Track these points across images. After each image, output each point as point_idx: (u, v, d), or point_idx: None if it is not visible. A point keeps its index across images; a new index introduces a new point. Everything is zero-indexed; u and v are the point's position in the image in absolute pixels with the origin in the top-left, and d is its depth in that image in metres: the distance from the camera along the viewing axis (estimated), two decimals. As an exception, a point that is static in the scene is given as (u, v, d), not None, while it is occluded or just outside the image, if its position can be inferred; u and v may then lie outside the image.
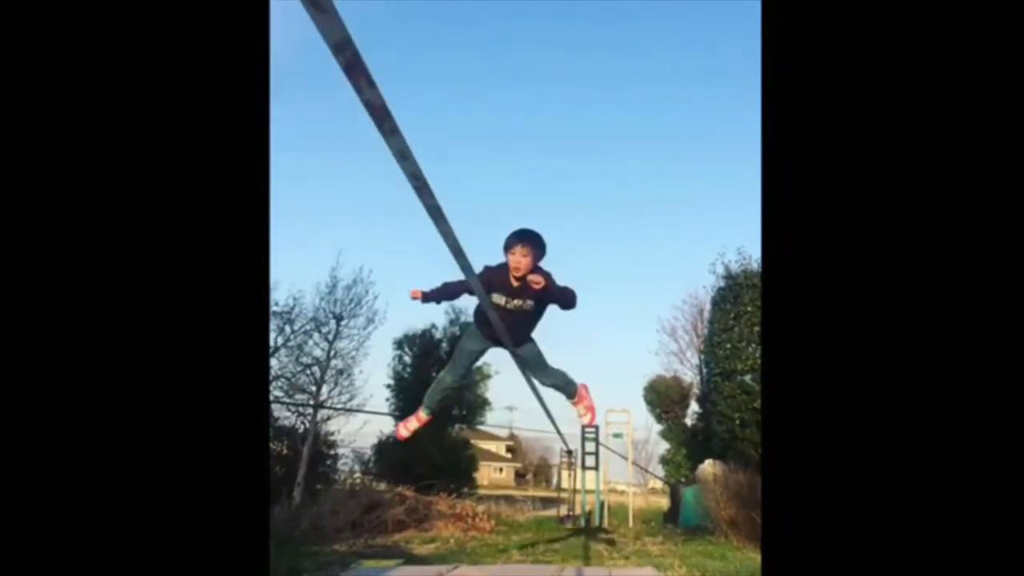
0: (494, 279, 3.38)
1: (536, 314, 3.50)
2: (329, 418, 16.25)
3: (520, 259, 3.31)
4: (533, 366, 3.69)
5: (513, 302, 3.38)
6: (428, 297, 3.50)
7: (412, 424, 4.04)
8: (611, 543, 10.93)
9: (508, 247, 3.36)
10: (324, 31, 0.97)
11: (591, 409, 3.95)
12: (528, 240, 3.33)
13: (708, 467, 13.82)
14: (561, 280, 3.40)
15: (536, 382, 3.80)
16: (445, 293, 3.49)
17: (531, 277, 3.20)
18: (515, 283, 3.36)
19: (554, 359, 3.69)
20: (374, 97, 1.16)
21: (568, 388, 3.86)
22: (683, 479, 16.63)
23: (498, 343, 3.58)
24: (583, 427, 15.01)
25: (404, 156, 1.42)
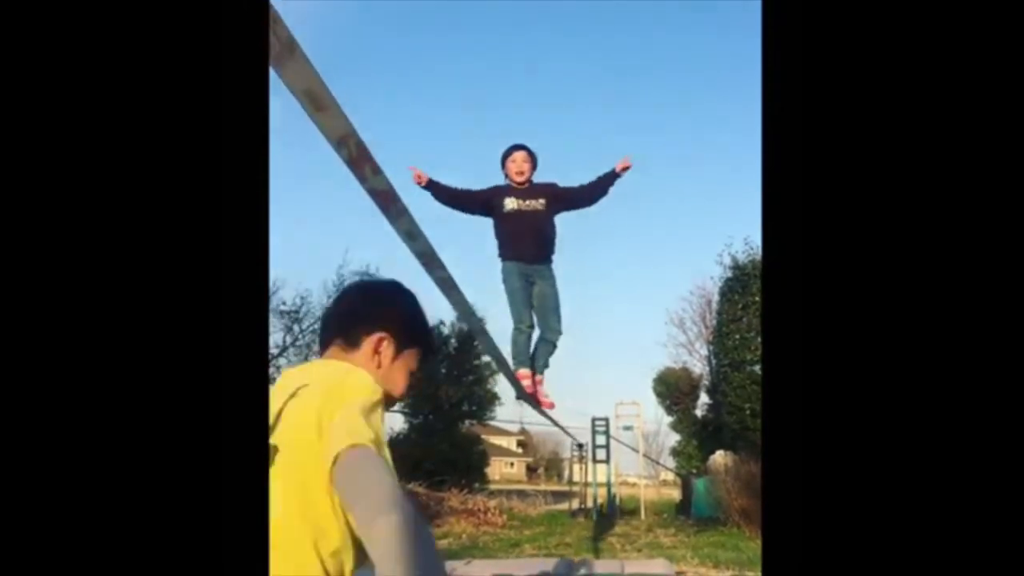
0: (499, 191, 3.48)
1: (550, 219, 3.51)
2: (339, 416, 16.29)
3: (522, 164, 3.46)
4: (547, 306, 3.57)
5: (527, 202, 3.45)
6: (433, 187, 3.41)
7: (528, 383, 3.66)
8: (624, 536, 10.94)
9: (507, 156, 3.49)
10: (325, 129, 0.91)
11: (537, 397, 3.73)
12: (525, 147, 3.49)
13: (719, 458, 13.81)
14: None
15: (546, 341, 3.62)
16: (454, 195, 3.44)
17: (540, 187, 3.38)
18: (520, 186, 3.46)
19: (562, 352, 3.67)
20: (380, 183, 1.10)
21: (539, 362, 3.66)
22: (694, 470, 16.63)
23: (530, 261, 3.50)
24: (593, 420, 15.03)
25: (412, 236, 1.38)
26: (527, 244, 3.47)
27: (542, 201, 3.45)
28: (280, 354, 15.12)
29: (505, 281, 3.55)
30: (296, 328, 15.55)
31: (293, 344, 15.52)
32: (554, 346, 3.66)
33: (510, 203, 3.45)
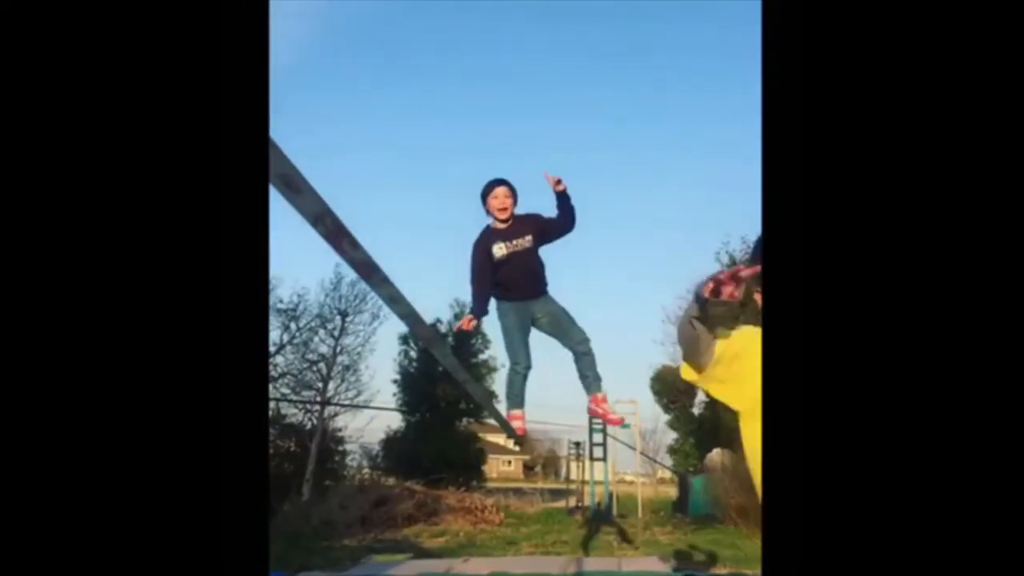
0: (486, 240, 3.44)
1: (536, 252, 3.48)
2: (336, 414, 16.35)
3: (504, 200, 3.42)
4: (562, 325, 3.51)
5: (514, 243, 3.42)
6: (478, 312, 3.42)
7: (519, 424, 3.66)
8: (622, 534, 10.96)
9: (488, 192, 3.45)
10: (302, 209, 0.96)
11: (606, 418, 3.69)
12: (506, 183, 3.46)
13: (716, 456, 13.83)
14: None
15: (581, 355, 3.53)
16: (482, 294, 3.43)
17: (548, 178, 3.35)
18: (503, 224, 3.43)
19: (558, 350, 3.64)
20: (359, 255, 1.16)
21: (589, 379, 3.57)
22: (691, 468, 16.65)
23: (526, 298, 3.47)
24: (590, 418, 15.03)
25: (395, 301, 1.43)
26: (522, 285, 3.44)
27: (528, 238, 3.42)
28: (277, 352, 15.11)
29: (501, 319, 3.52)
30: (293, 326, 15.55)
31: (290, 342, 15.52)
32: (590, 355, 3.56)
33: (499, 250, 3.41)
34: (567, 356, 3.67)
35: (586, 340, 3.54)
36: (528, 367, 3.50)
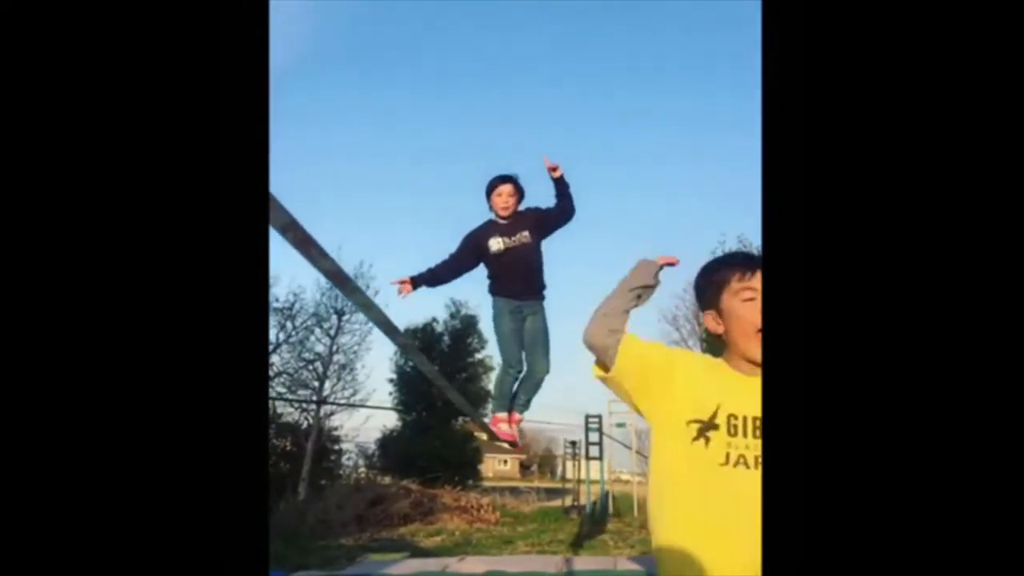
0: (483, 233, 3.40)
1: (537, 249, 3.44)
2: (332, 413, 16.31)
3: (508, 198, 3.37)
4: (537, 343, 3.49)
5: (513, 238, 3.36)
6: (422, 281, 3.33)
7: (503, 427, 3.62)
8: (617, 533, 10.97)
9: (492, 189, 3.40)
10: (270, 219, 0.99)
11: (510, 437, 3.62)
12: (512, 180, 3.42)
13: (712, 455, 13.80)
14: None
15: (532, 378, 3.54)
16: (444, 271, 3.36)
17: (548, 165, 3.31)
18: (505, 221, 3.38)
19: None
20: (328, 265, 1.19)
21: (522, 401, 3.56)
22: (687, 467, 16.62)
23: (521, 298, 3.43)
24: (587, 417, 15.05)
25: (368, 308, 1.45)
26: (519, 281, 3.39)
27: (526, 233, 3.37)
28: (273, 351, 15.09)
29: (495, 320, 3.48)
30: (289, 325, 15.52)
31: (286, 341, 15.49)
32: (539, 386, 3.57)
33: (496, 244, 3.36)
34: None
35: (547, 371, 3.54)
36: (521, 371, 3.47)
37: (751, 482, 1.25)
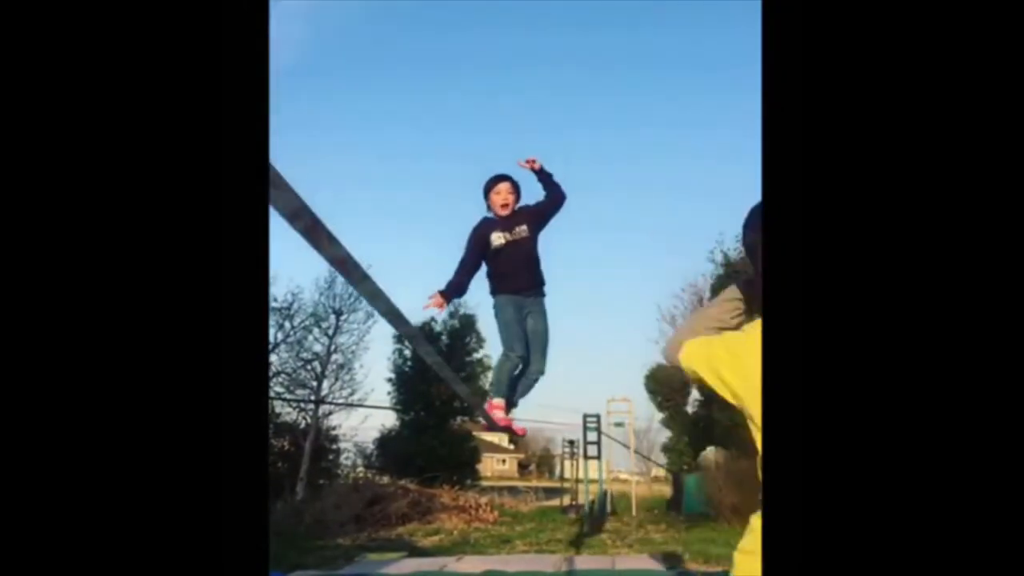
0: (485, 229, 3.46)
1: (535, 242, 3.50)
2: (331, 413, 16.31)
3: (507, 195, 3.45)
4: (537, 341, 3.51)
5: (513, 232, 3.43)
6: (453, 292, 3.39)
7: (499, 414, 3.59)
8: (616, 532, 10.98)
9: (491, 188, 3.48)
10: (279, 205, 0.96)
11: (508, 425, 3.68)
12: (510, 178, 3.50)
13: (710, 454, 13.86)
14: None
15: (527, 377, 3.58)
16: (461, 281, 3.41)
17: (528, 161, 3.43)
18: (505, 215, 3.45)
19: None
20: (337, 252, 1.15)
21: (513, 394, 3.60)
22: (685, 467, 16.68)
23: (522, 292, 3.47)
24: (585, 417, 15.05)
25: (375, 297, 1.42)
26: (521, 275, 3.44)
27: (524, 227, 3.44)
28: (272, 350, 15.07)
29: (498, 314, 3.51)
30: (287, 325, 15.50)
31: (284, 341, 15.48)
32: (532, 386, 3.62)
33: (497, 239, 3.42)
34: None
35: (543, 372, 3.59)
36: (522, 358, 3.47)
37: None
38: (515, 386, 3.60)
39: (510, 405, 3.60)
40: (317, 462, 15.19)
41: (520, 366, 3.53)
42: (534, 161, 3.43)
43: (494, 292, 3.53)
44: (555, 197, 3.47)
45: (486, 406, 3.65)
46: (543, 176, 3.46)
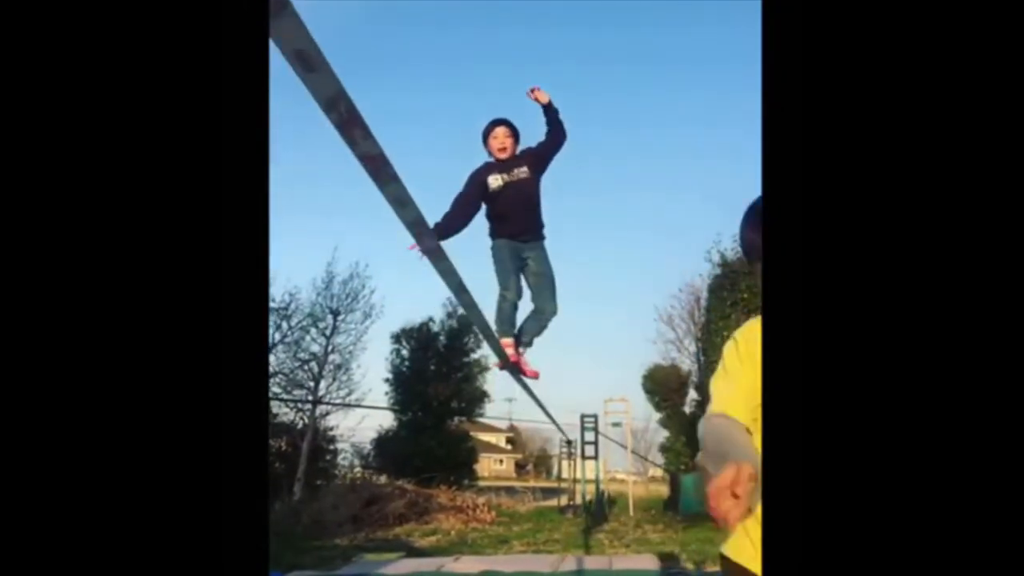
0: (483, 172, 3.38)
1: (536, 184, 3.41)
2: (328, 413, 16.29)
3: (504, 140, 3.36)
4: (543, 285, 3.44)
5: (511, 174, 3.35)
6: (442, 233, 3.20)
7: (511, 351, 3.47)
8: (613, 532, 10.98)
9: (488, 133, 3.40)
10: (315, 91, 0.88)
11: (522, 367, 3.53)
12: (506, 122, 3.40)
13: (708, 454, 13.82)
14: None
15: (539, 319, 3.46)
16: (454, 220, 3.29)
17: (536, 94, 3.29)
18: (504, 159, 3.36)
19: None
20: (370, 148, 1.06)
21: (523, 336, 3.49)
22: (683, 467, 16.69)
23: (521, 237, 3.38)
24: (582, 417, 15.06)
25: (403, 204, 1.32)
26: (519, 217, 3.36)
27: (525, 169, 3.34)
28: (269, 351, 15.06)
29: (495, 255, 3.42)
30: (284, 325, 15.48)
31: (282, 341, 15.46)
32: (544, 326, 3.51)
33: (494, 180, 3.33)
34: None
35: (554, 312, 3.49)
36: (518, 296, 3.40)
37: None
38: (518, 324, 3.47)
39: (519, 343, 3.49)
40: (314, 462, 15.17)
41: (517, 304, 3.42)
42: (542, 92, 3.30)
43: (493, 235, 3.44)
44: (555, 136, 3.36)
45: (508, 348, 3.48)
46: (550, 112, 3.34)
